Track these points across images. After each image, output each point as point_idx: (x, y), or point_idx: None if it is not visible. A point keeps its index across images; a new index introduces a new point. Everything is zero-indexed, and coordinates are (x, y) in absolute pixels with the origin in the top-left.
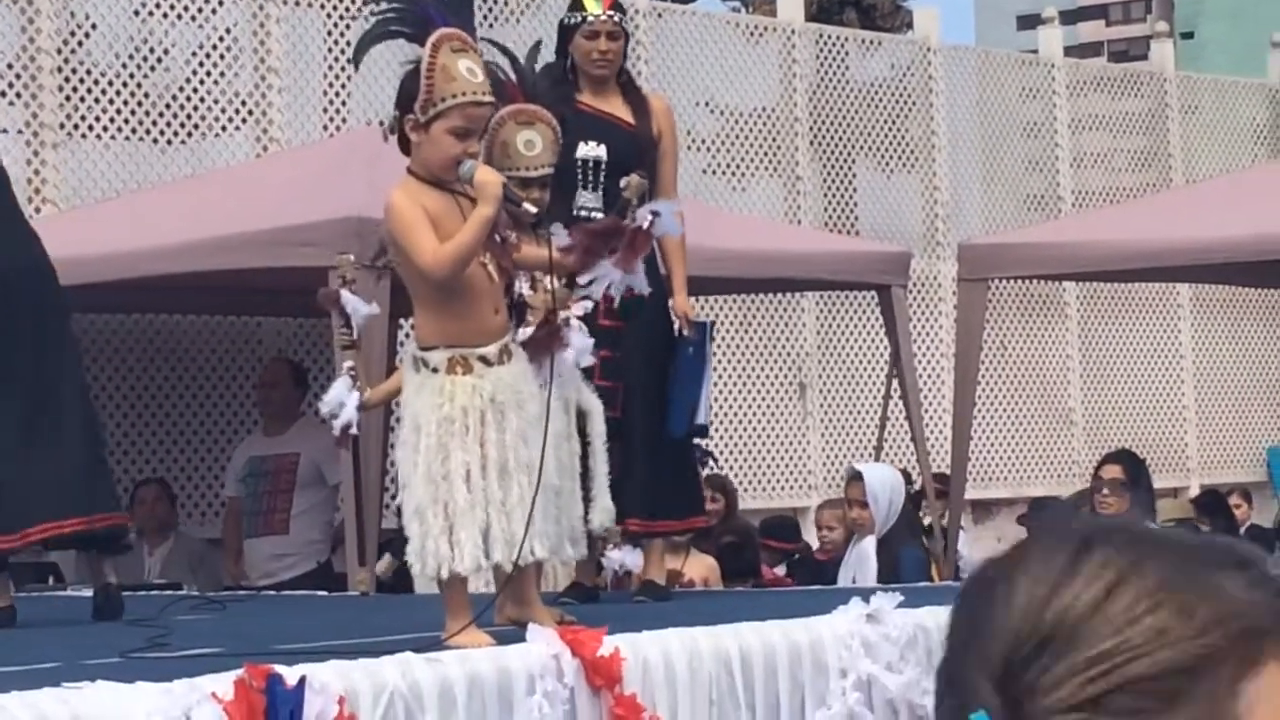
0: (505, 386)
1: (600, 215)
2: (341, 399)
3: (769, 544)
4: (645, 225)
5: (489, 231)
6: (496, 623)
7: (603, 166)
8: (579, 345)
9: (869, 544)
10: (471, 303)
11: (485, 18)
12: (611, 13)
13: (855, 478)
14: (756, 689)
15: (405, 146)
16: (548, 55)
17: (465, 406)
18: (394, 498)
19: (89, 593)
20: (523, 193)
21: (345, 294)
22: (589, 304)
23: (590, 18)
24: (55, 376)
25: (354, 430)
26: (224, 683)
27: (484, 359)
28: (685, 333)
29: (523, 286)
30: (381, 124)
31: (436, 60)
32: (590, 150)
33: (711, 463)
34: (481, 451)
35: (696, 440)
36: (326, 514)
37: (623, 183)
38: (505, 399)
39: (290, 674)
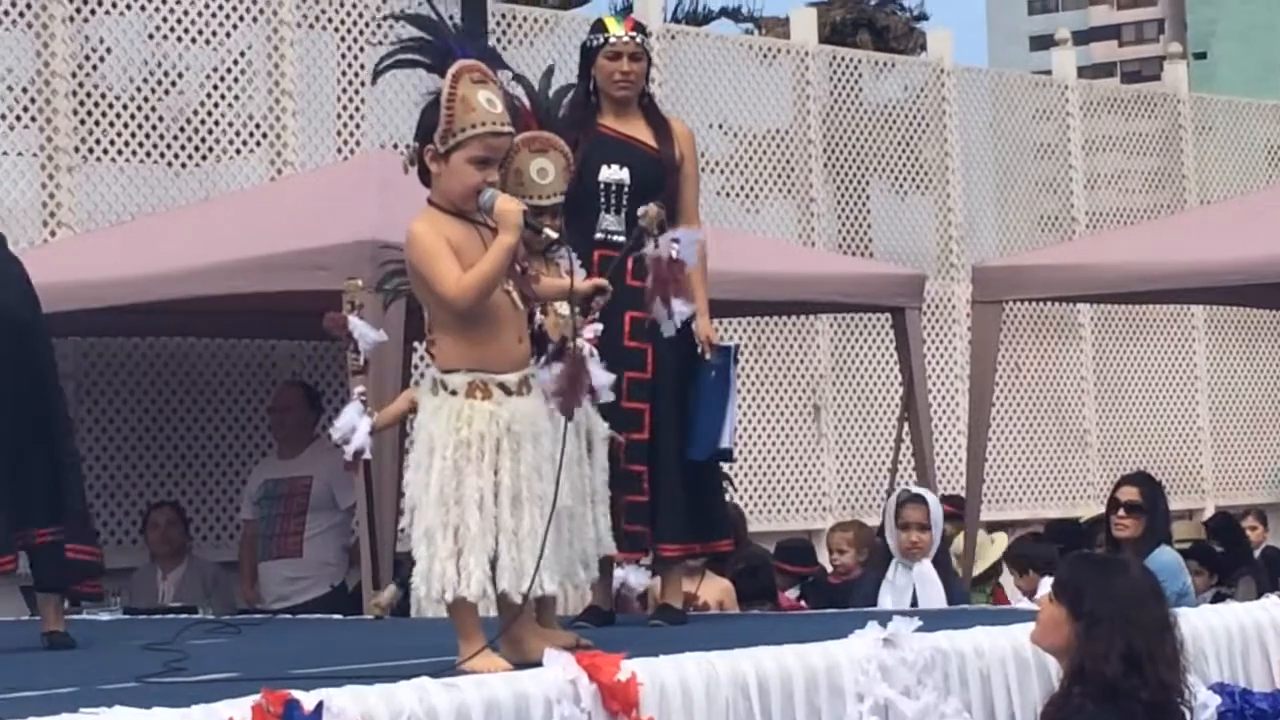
0: (523, 417)
1: (622, 239)
2: (353, 424)
3: (783, 567)
4: (673, 254)
5: (511, 260)
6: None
7: (625, 190)
8: (601, 381)
9: (927, 566)
10: (495, 329)
11: (499, 40)
12: (634, 34)
13: (917, 500)
14: (774, 713)
15: (426, 177)
16: (560, 80)
17: (482, 432)
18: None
19: (105, 617)
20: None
21: (354, 320)
22: (599, 327)
23: (613, 39)
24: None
25: (366, 455)
26: (241, 708)
27: (504, 386)
28: (708, 356)
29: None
30: (402, 155)
31: (456, 91)
32: (613, 174)
33: (729, 488)
34: (495, 479)
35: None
36: (341, 538)
37: (640, 212)
38: (522, 430)
39: (307, 699)
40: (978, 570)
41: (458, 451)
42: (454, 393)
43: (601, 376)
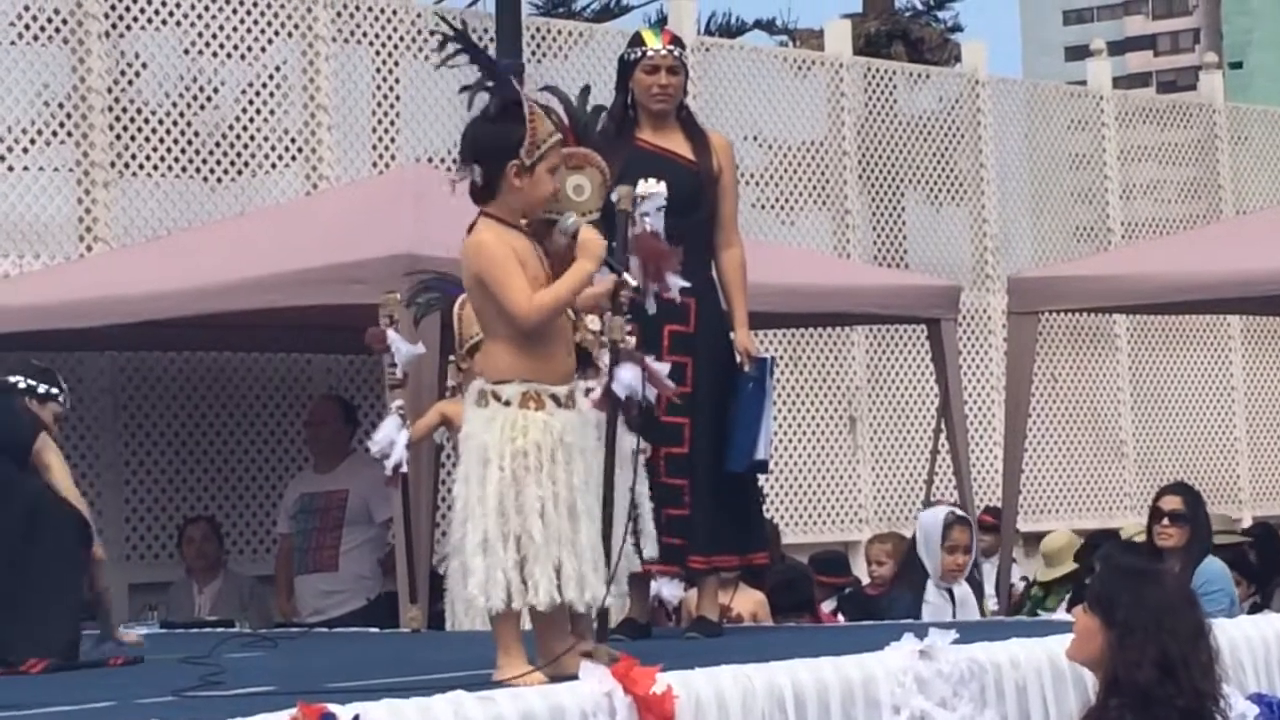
0: (573, 429)
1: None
2: (392, 438)
3: (819, 579)
4: (649, 229)
5: (584, 288)
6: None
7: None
8: (662, 369)
9: (965, 587)
10: (550, 342)
11: (533, 54)
12: (671, 47)
13: (964, 522)
14: None
15: (483, 194)
16: (597, 98)
17: (539, 442)
18: (444, 533)
19: (143, 630)
20: (568, 239)
21: (391, 334)
22: (632, 341)
23: (650, 52)
24: None
25: (404, 469)
26: None
27: (555, 398)
28: (746, 368)
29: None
30: (454, 176)
31: (535, 106)
32: (650, 187)
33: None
34: (554, 489)
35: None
36: (376, 551)
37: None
38: (573, 441)
39: (344, 713)
40: (1054, 575)
41: (515, 461)
42: (507, 403)
43: (661, 366)
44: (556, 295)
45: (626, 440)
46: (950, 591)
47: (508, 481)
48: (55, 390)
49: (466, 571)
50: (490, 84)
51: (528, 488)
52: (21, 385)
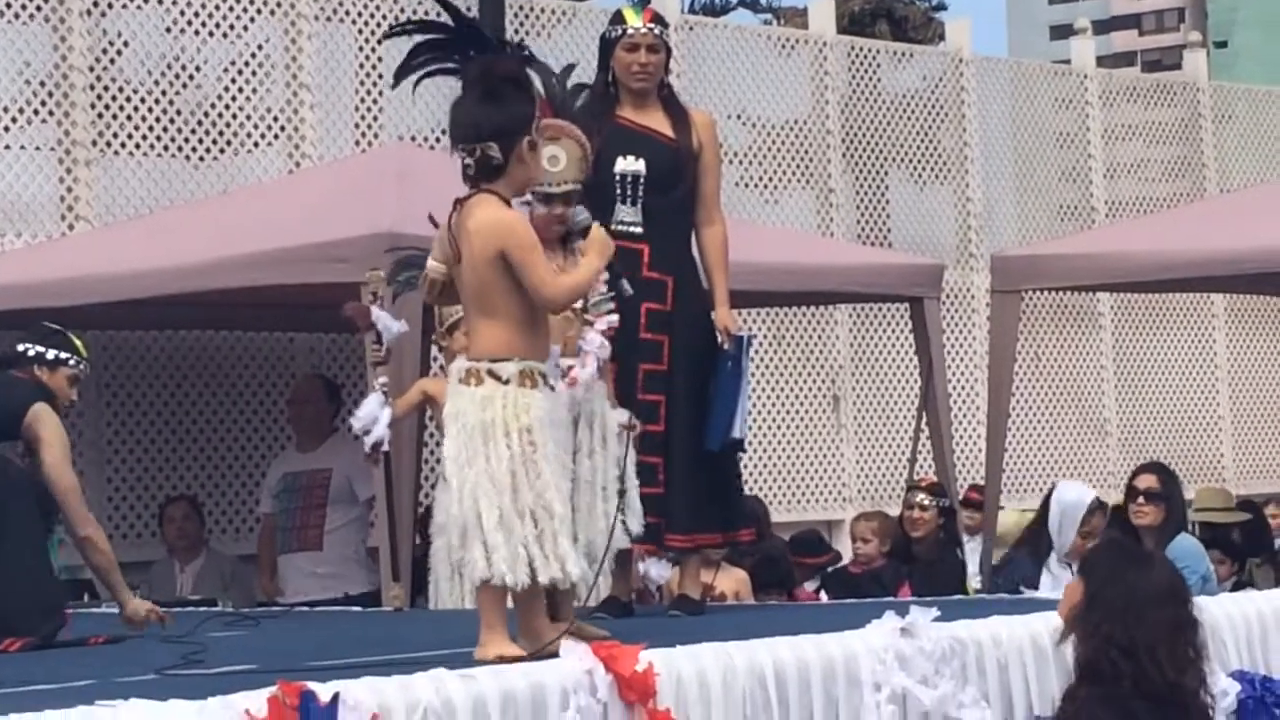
0: (560, 406)
1: (639, 230)
2: (374, 415)
3: (801, 561)
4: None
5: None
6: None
7: (641, 181)
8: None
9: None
10: (540, 322)
11: (517, 31)
12: (652, 25)
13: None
14: (791, 704)
15: (488, 173)
16: (580, 76)
17: (540, 419)
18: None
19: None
20: (546, 209)
21: (376, 310)
22: (614, 319)
23: (630, 30)
24: None
25: (385, 446)
26: (258, 700)
27: (544, 376)
28: (725, 346)
29: None
30: (466, 159)
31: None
32: (629, 165)
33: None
34: (555, 465)
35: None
36: (360, 531)
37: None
38: (560, 419)
39: (324, 690)
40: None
41: (523, 437)
42: (506, 381)
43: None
44: (576, 283)
45: (614, 416)
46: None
47: (519, 458)
48: (65, 354)
49: (488, 549)
50: (451, 68)
51: (539, 464)
52: (30, 353)
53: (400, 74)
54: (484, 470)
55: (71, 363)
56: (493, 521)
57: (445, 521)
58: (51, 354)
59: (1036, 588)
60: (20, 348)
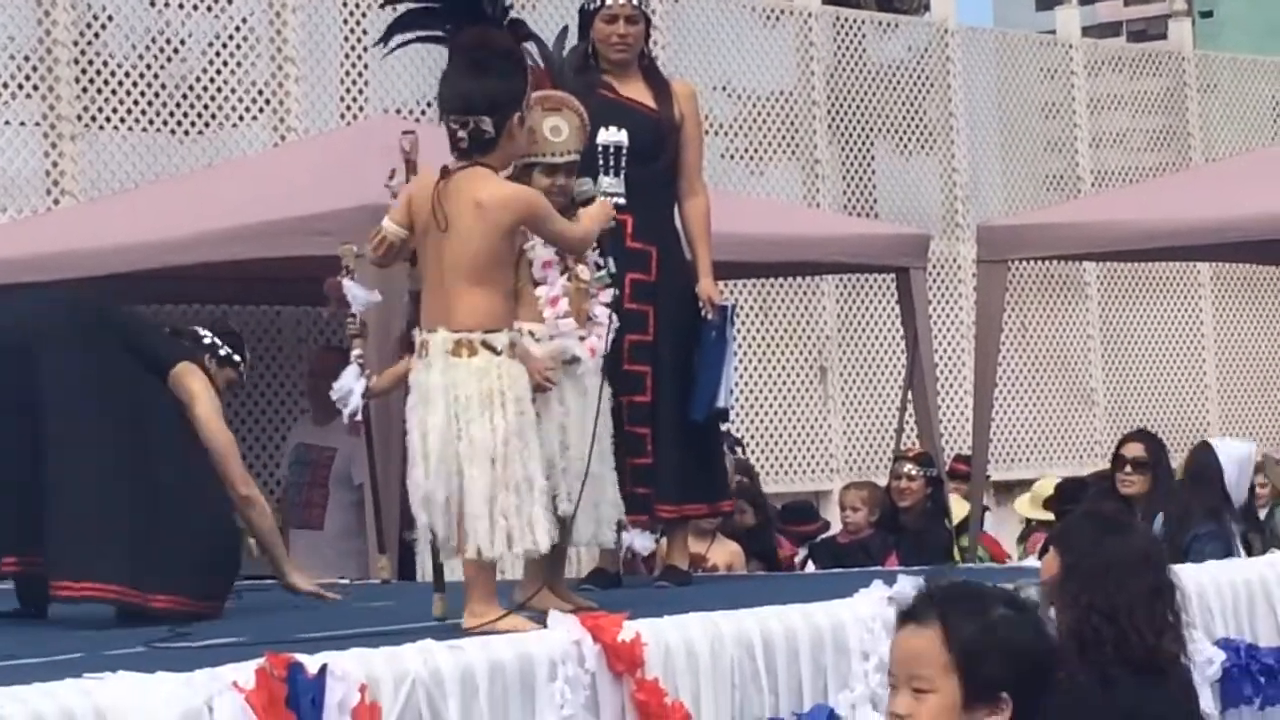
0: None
1: (622, 200)
2: (349, 386)
3: (790, 529)
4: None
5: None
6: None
7: (624, 151)
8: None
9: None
10: (527, 292)
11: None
12: None
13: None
14: (779, 672)
15: (480, 147)
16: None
17: (529, 390)
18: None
19: None
20: (549, 180)
21: (347, 283)
22: (614, 291)
23: (609, 1)
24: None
25: (358, 417)
26: (245, 672)
27: (533, 335)
28: (709, 316)
29: (546, 272)
30: (465, 130)
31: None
32: (611, 135)
33: (740, 449)
34: (544, 435)
35: (725, 426)
36: (360, 517)
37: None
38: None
39: (311, 662)
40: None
41: (517, 409)
42: (499, 352)
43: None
44: (586, 230)
45: (606, 389)
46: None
47: (514, 430)
48: (236, 357)
49: (471, 521)
50: (440, 36)
51: (528, 435)
52: (206, 340)
53: (387, 37)
54: (480, 442)
55: (239, 368)
56: (479, 493)
57: (428, 494)
58: (225, 350)
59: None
60: (201, 331)
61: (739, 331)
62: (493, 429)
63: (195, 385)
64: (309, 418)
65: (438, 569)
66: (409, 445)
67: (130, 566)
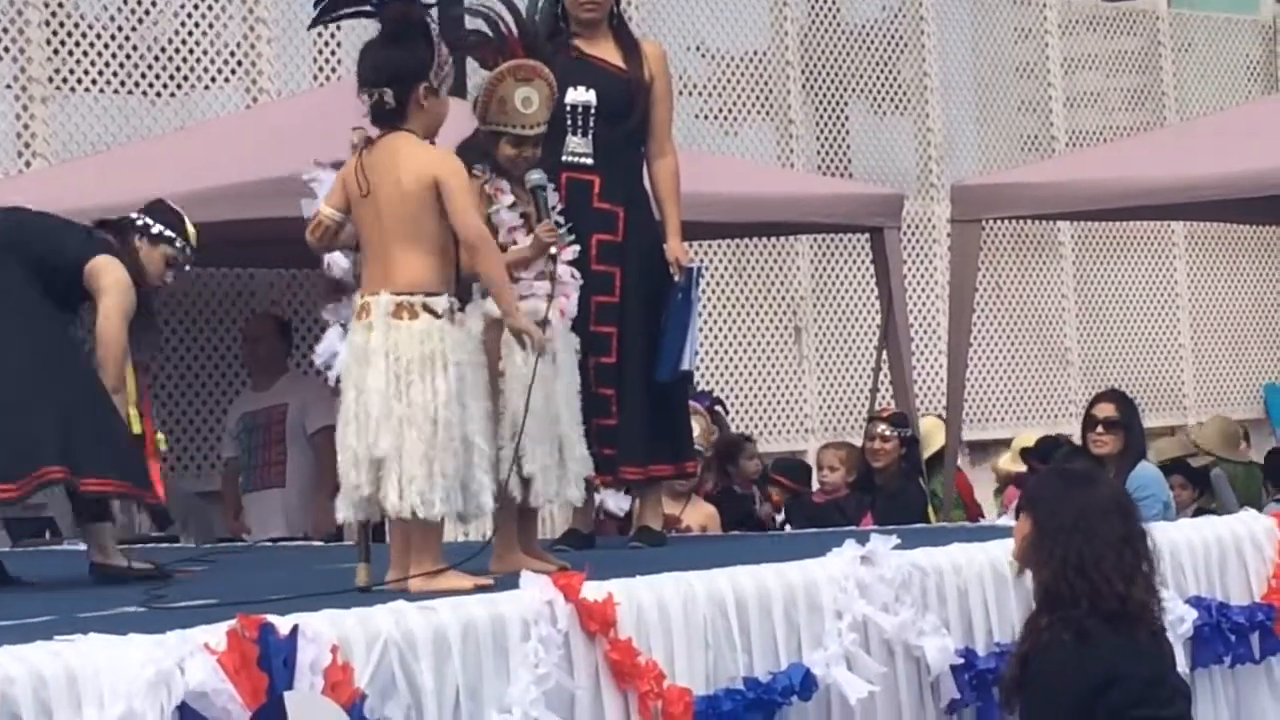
0: (475, 338)
1: (589, 161)
2: (334, 349)
3: (779, 481)
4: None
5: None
6: (494, 570)
7: (592, 111)
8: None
9: None
10: (455, 257)
11: None
12: None
13: None
14: (752, 632)
15: (389, 116)
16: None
17: (473, 353)
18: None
19: (85, 546)
20: (516, 150)
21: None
22: (577, 248)
23: None
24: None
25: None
26: (217, 634)
27: (459, 310)
28: (676, 278)
29: (513, 236)
30: (370, 101)
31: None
32: (579, 95)
33: (722, 410)
34: (484, 401)
35: (706, 390)
36: (318, 468)
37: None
38: (475, 348)
39: (283, 623)
40: (928, 454)
41: (458, 372)
42: (440, 315)
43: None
44: (491, 249)
45: (572, 341)
46: None
47: (453, 393)
48: (170, 233)
49: (405, 482)
50: (368, 10)
51: (468, 398)
52: (139, 222)
53: (319, 16)
54: (419, 404)
55: (177, 243)
56: (417, 455)
57: (358, 454)
58: (157, 228)
59: None
60: (132, 215)
61: (714, 292)
62: (434, 391)
63: (106, 280)
64: (247, 389)
65: (364, 537)
66: (342, 405)
67: (61, 449)
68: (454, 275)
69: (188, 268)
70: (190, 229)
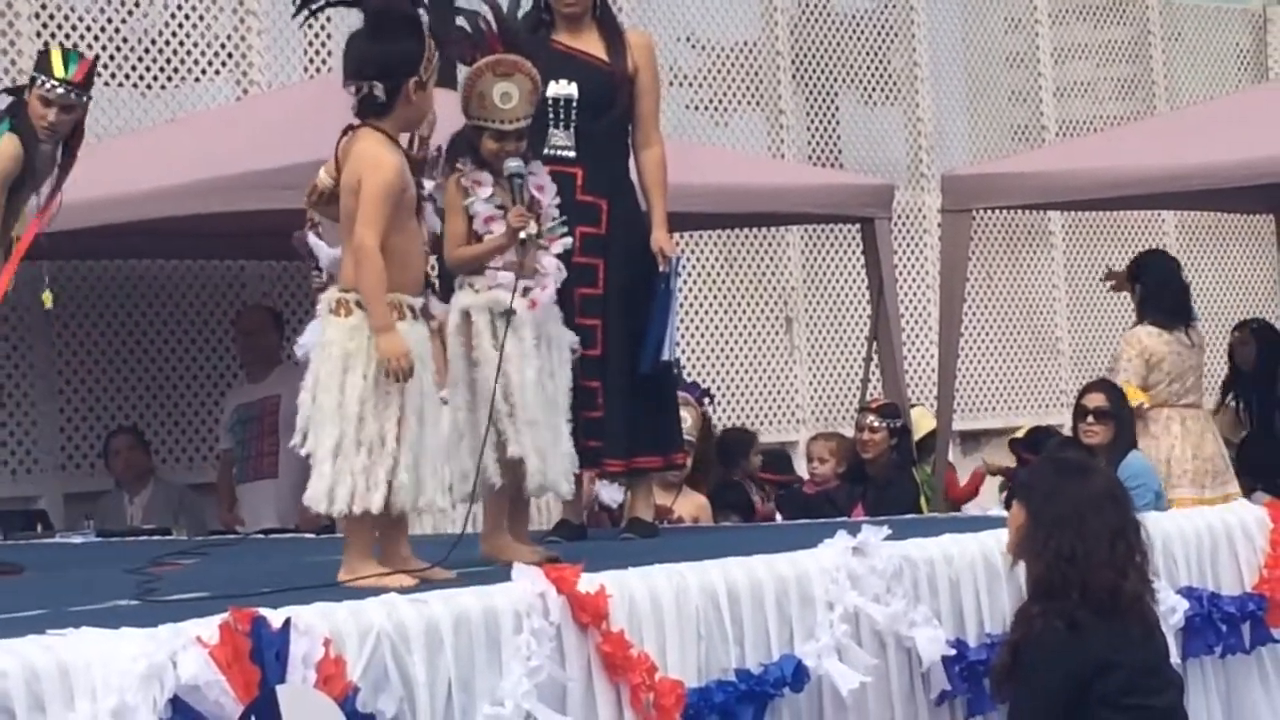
0: (423, 340)
1: (571, 154)
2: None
3: (766, 477)
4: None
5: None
6: (483, 551)
7: (574, 104)
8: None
9: None
10: (409, 254)
11: None
12: None
13: None
14: (744, 623)
15: (374, 110)
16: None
17: (407, 350)
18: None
19: (78, 539)
20: (498, 145)
21: (312, 238)
22: (568, 241)
23: None
24: None
25: None
26: (209, 627)
27: (412, 309)
28: (661, 268)
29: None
30: (358, 94)
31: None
32: (561, 89)
33: (709, 401)
34: (410, 397)
35: (695, 381)
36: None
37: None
38: (424, 352)
39: (275, 617)
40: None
41: (378, 369)
42: None
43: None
44: (379, 267)
45: (567, 337)
46: None
47: (370, 389)
48: (34, 74)
49: (318, 477)
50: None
51: (392, 395)
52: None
53: (303, 4)
54: (335, 399)
55: (39, 82)
56: (327, 450)
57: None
58: (34, 74)
59: None
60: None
61: (704, 283)
62: (350, 387)
63: None
64: (241, 380)
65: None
66: None
67: None
68: (420, 276)
69: (72, 97)
70: (55, 60)
